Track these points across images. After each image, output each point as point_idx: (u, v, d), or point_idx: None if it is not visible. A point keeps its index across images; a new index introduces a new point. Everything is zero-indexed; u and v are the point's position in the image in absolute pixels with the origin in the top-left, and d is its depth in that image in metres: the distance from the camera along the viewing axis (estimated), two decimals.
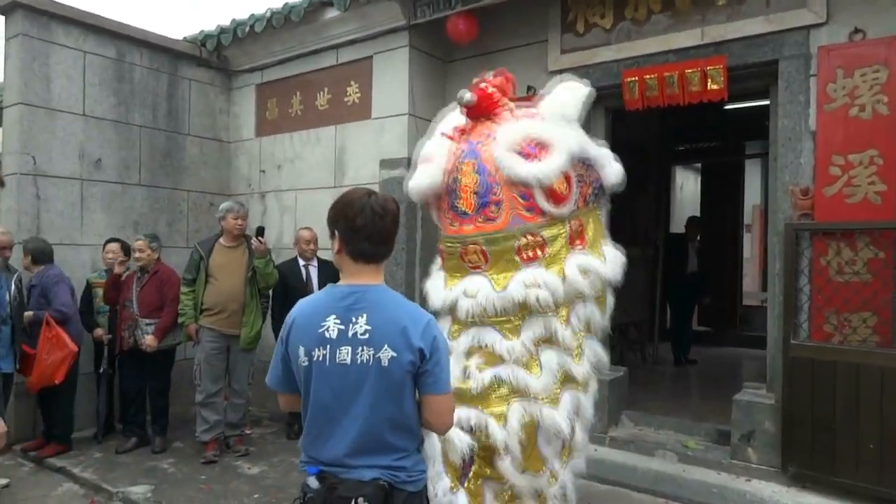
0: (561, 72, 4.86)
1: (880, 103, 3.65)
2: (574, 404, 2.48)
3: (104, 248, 5.15)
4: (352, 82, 5.62)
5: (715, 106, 6.36)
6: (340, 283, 1.79)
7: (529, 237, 2.53)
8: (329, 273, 5.12)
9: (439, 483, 1.91)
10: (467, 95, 2.72)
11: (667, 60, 4.40)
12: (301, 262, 5.23)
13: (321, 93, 5.88)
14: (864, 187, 3.70)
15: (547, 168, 2.46)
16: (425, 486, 1.81)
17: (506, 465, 2.22)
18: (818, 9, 3.85)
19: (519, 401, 2.31)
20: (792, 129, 3.98)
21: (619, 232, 6.92)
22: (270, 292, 4.99)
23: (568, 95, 2.73)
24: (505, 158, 2.50)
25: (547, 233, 2.59)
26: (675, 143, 9.11)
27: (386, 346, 1.67)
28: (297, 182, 6.07)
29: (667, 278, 7.60)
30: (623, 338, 7.50)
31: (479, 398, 2.28)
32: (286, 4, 5.63)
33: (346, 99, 5.67)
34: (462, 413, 2.23)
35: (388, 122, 5.34)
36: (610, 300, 2.98)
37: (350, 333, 1.69)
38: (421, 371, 1.70)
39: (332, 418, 1.71)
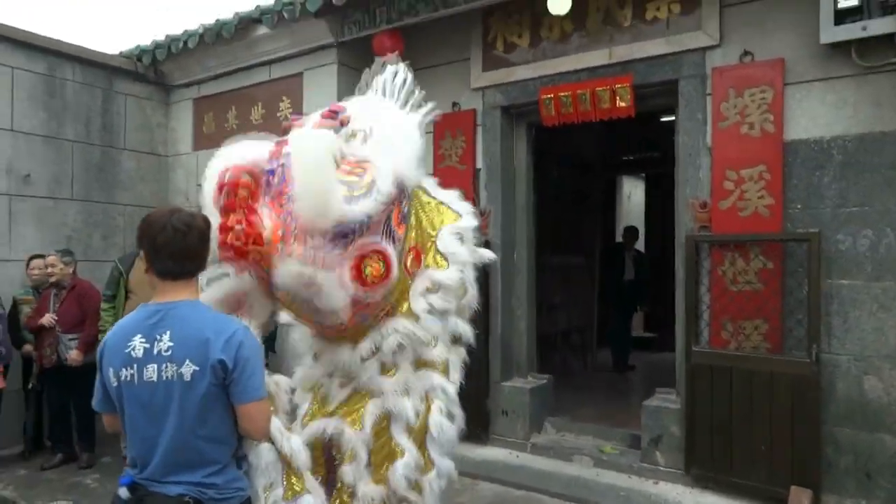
0: (483, 89, 5.07)
1: (767, 122, 3.85)
2: (424, 387, 2.38)
3: (28, 264, 5.14)
4: (284, 97, 5.70)
5: (654, 118, 6.59)
6: (151, 301, 1.84)
7: None
8: None
9: (272, 494, 1.95)
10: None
11: (579, 79, 4.58)
12: None
13: (256, 107, 5.94)
14: (755, 201, 3.89)
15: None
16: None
17: (348, 469, 2.22)
18: (712, 32, 4.05)
19: (372, 400, 2.31)
20: (691, 145, 4.17)
21: (564, 241, 7.25)
22: None
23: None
24: None
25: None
26: (620, 153, 9.32)
27: (188, 361, 1.72)
28: None
29: (604, 286, 7.78)
30: (566, 343, 7.68)
31: (338, 409, 2.33)
32: (218, 21, 5.70)
33: (279, 114, 5.74)
34: (320, 424, 2.24)
35: None
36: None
37: (155, 351, 1.74)
38: (228, 382, 1.75)
39: (145, 436, 1.76)
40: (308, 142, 2.01)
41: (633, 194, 11.42)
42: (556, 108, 4.64)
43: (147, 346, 1.75)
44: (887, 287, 3.57)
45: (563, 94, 4.59)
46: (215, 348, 1.72)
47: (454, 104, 5.19)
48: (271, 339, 4.35)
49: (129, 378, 1.75)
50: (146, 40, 6.38)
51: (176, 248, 1.77)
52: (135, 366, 1.75)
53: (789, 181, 3.81)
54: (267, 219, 2.03)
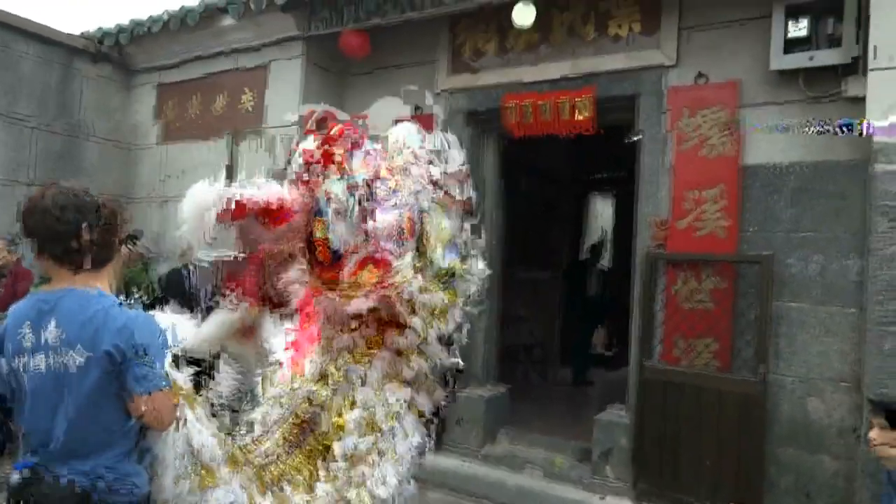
0: (449, 92, 5.03)
1: (726, 145, 3.90)
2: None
3: None
4: (247, 89, 5.58)
5: (623, 139, 6.60)
6: (44, 287, 1.79)
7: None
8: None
9: (180, 486, 1.89)
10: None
11: (541, 89, 4.57)
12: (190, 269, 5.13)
13: (219, 97, 5.81)
14: (712, 222, 3.94)
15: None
16: (141, 501, 1.76)
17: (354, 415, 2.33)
18: (669, 52, 4.13)
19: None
20: (653, 164, 4.20)
21: (532, 256, 7.21)
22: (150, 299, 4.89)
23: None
24: None
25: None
26: (590, 171, 9.33)
27: (76, 352, 1.65)
28: None
29: (568, 302, 7.79)
30: (528, 357, 7.64)
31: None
32: (182, 8, 5.55)
33: (240, 106, 5.62)
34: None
35: (280, 131, 5.31)
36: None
37: (42, 340, 1.67)
38: (121, 371, 1.66)
39: (38, 424, 1.70)
40: None
41: (603, 212, 11.50)
42: (519, 116, 4.62)
43: (35, 335, 1.68)
44: (833, 311, 3.65)
45: (525, 102, 4.57)
46: (105, 337, 1.64)
47: (416, 108, 5.13)
48: None
49: (20, 367, 1.70)
50: (110, 24, 6.18)
51: (54, 231, 1.66)
52: (25, 355, 1.69)
53: (746, 204, 3.86)
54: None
